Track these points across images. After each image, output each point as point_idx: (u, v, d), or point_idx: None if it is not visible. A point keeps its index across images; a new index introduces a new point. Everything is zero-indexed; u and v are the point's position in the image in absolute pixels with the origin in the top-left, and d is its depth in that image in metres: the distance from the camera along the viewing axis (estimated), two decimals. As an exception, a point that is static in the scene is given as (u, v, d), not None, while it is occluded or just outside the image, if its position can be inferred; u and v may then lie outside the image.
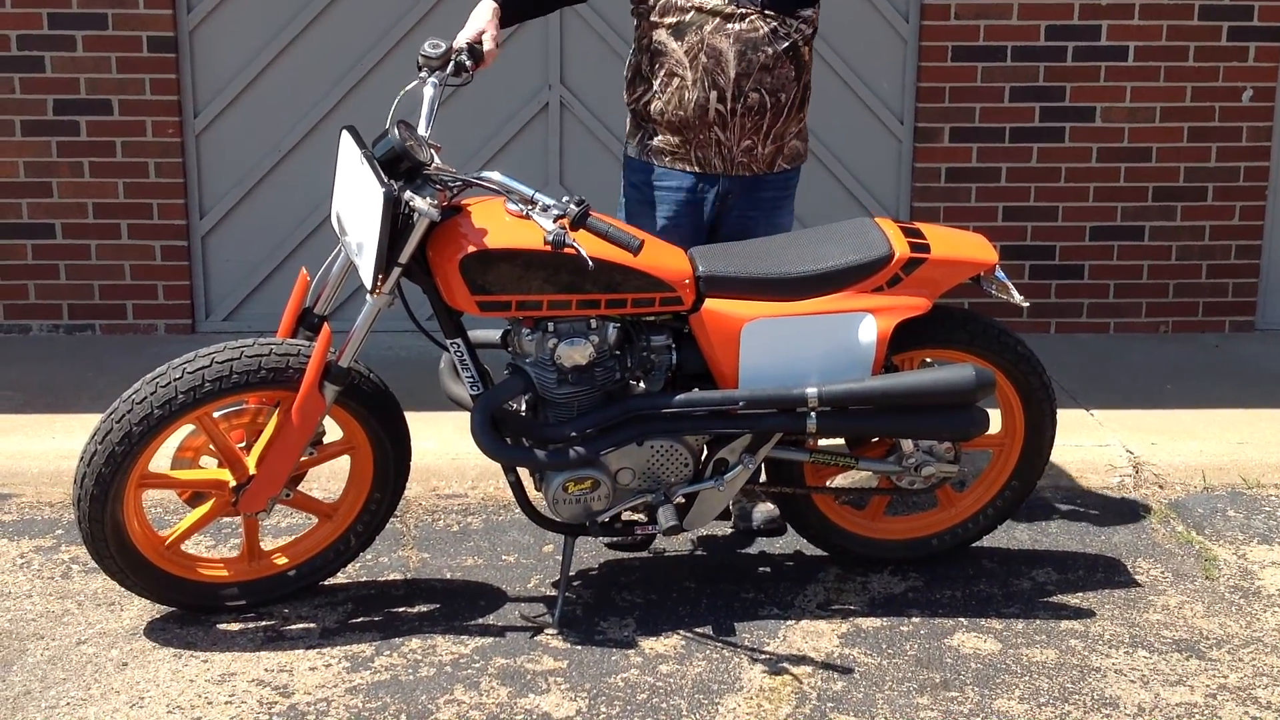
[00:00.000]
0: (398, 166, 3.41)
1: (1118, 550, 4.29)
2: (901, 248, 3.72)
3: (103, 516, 3.54)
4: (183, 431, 3.66)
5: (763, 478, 3.94)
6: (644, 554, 4.19)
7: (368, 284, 3.43)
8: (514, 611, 3.84)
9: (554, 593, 3.95)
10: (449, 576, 4.07)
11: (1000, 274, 3.88)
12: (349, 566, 4.07)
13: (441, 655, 3.61)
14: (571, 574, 4.07)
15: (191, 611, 3.79)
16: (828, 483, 4.06)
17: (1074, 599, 3.97)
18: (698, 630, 3.76)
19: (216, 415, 3.64)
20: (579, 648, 3.66)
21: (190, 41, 5.87)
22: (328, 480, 4.46)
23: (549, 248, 3.25)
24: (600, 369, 3.64)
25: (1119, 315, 6.29)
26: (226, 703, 3.38)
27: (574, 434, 3.62)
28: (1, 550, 4.20)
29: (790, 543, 4.27)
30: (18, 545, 4.23)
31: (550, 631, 3.73)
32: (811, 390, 3.64)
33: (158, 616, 3.78)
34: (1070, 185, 6.13)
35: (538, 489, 3.77)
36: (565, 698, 3.42)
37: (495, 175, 3.39)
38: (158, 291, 6.01)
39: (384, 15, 5.88)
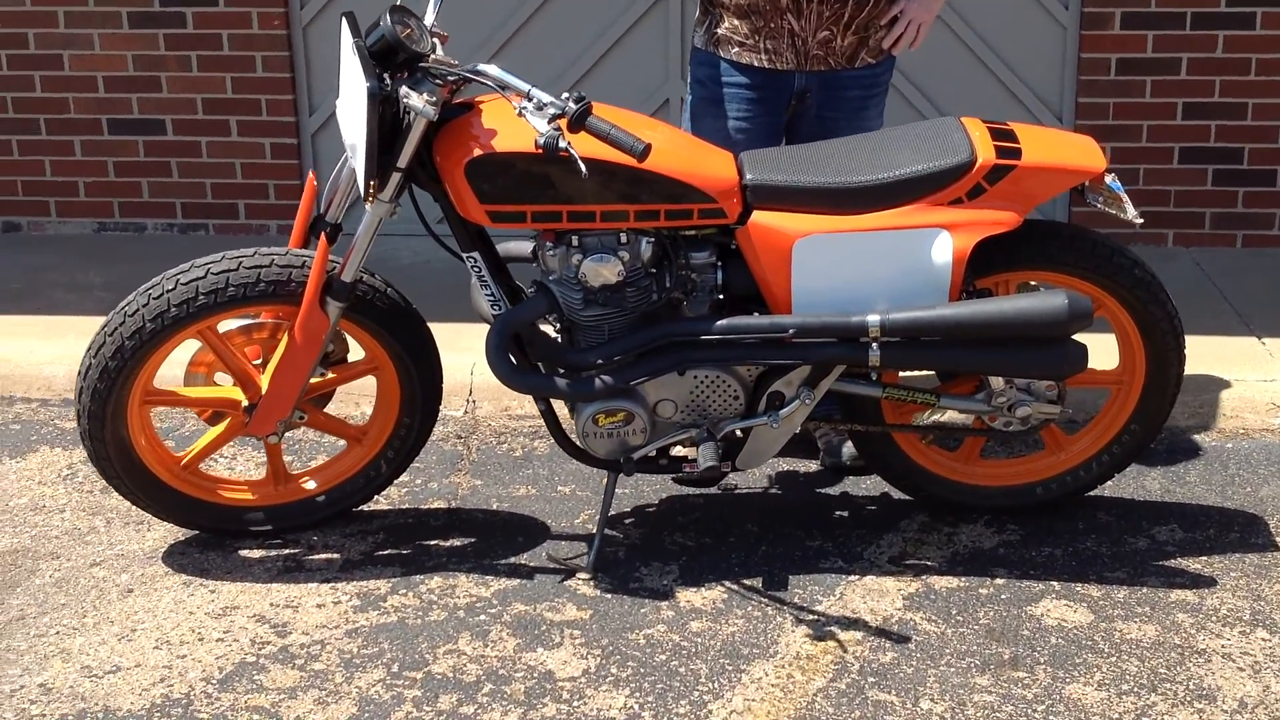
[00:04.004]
0: (394, 58, 3.04)
1: (1262, 507, 3.71)
2: (986, 153, 3.19)
3: (103, 434, 3.32)
4: (192, 346, 3.41)
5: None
6: (712, 490, 3.79)
7: (360, 190, 3.09)
8: (551, 549, 3.50)
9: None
10: (495, 507, 3.76)
11: (1114, 183, 3.31)
12: (393, 490, 3.81)
13: (459, 597, 3.31)
14: (626, 509, 3.72)
15: (215, 535, 3.56)
16: (913, 420, 3.58)
17: (1194, 563, 3.42)
18: (745, 582, 3.35)
19: (226, 329, 3.37)
20: (608, 596, 3.30)
21: (297, -74, 5.59)
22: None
23: (539, 150, 2.84)
24: (632, 289, 3.24)
25: (1317, 228, 5.54)
26: (218, 640, 3.15)
27: (601, 361, 3.23)
28: (53, 460, 4.05)
29: (879, 484, 3.81)
30: (69, 455, 4.08)
31: (582, 576, 3.38)
32: (874, 318, 3.16)
33: (181, 539, 3.57)
34: (1261, 79, 5.37)
35: (573, 419, 3.41)
36: (575, 654, 3.08)
37: (492, 69, 3.00)
38: (269, 191, 5.81)
39: (499, -104, 5.49)
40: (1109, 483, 3.74)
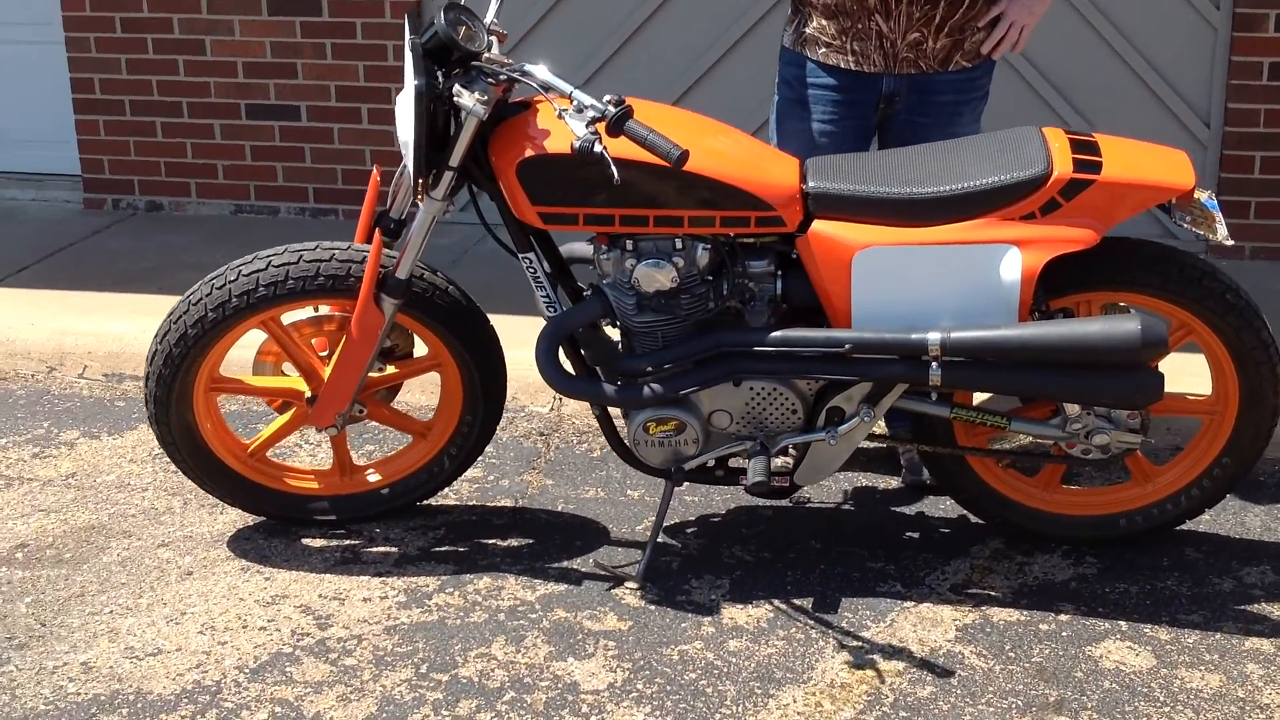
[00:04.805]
0: (450, 56, 3.02)
1: (1369, 551, 3.46)
2: (1063, 166, 3.03)
3: (168, 419, 3.38)
4: (258, 336, 3.45)
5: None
6: (782, 503, 3.69)
7: (411, 187, 3.08)
8: (605, 556, 3.46)
9: (661, 539, 3.53)
10: (560, 509, 3.72)
11: (1209, 201, 3.11)
12: (463, 485, 3.81)
13: (503, 600, 3.28)
14: (691, 518, 3.65)
15: (280, 522, 3.60)
16: (987, 443, 3.43)
17: (1279, 610, 3.20)
18: (795, 602, 3.25)
19: (294, 320, 3.40)
20: (652, 608, 3.23)
21: (434, -83, 5.63)
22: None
23: (573, 153, 2.79)
24: (687, 296, 3.16)
25: None
26: (261, 629, 3.18)
27: (651, 368, 3.17)
28: (147, 439, 4.15)
29: (958, 506, 3.65)
30: (163, 435, 4.16)
31: (630, 585, 3.32)
32: (934, 336, 3.03)
33: (249, 525, 3.62)
34: None
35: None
36: (605, 666, 3.02)
37: (538, 69, 2.96)
38: (397, 178, 5.86)
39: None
40: (1205, 517, 3.54)
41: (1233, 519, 3.61)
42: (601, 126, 2.80)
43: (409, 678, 2.99)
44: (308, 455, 4.02)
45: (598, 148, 2.77)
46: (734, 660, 3.04)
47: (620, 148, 2.89)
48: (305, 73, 5.82)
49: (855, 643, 3.10)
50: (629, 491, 3.79)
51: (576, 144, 2.78)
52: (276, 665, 3.04)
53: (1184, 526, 3.49)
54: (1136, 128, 5.21)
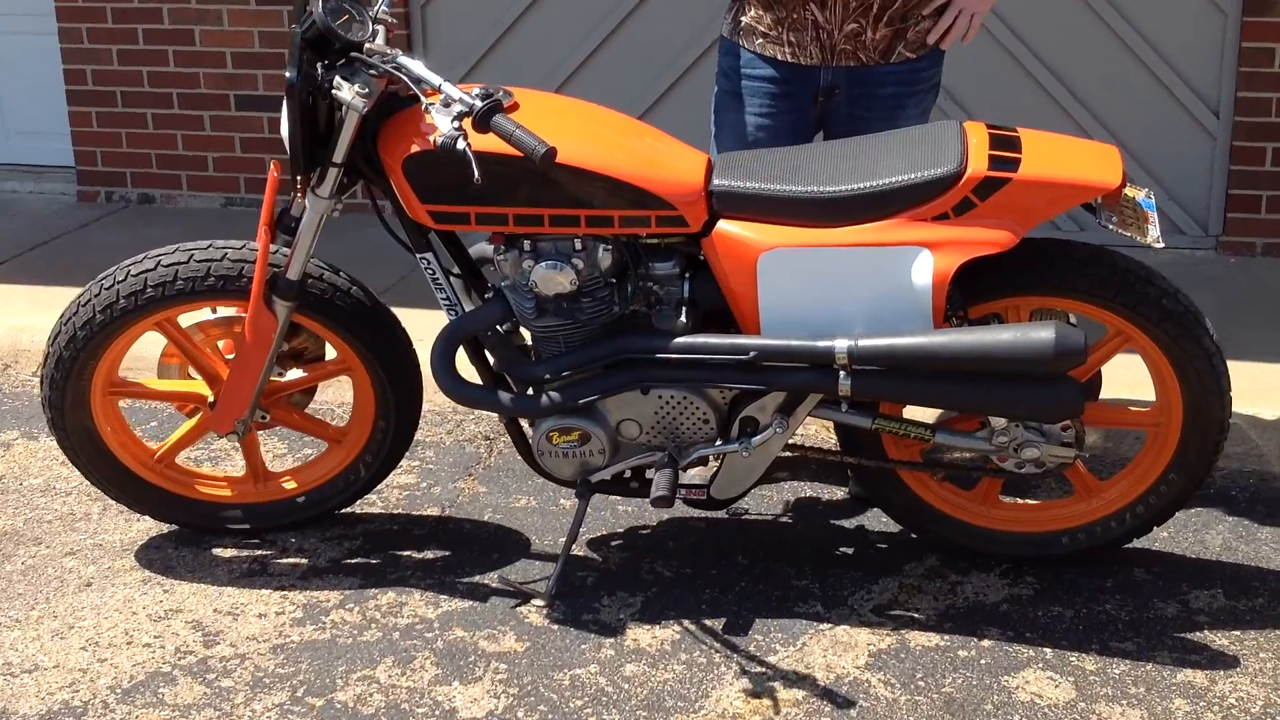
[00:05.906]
0: (331, 47, 2.88)
1: (1337, 574, 3.21)
2: (977, 164, 2.82)
3: (64, 423, 3.28)
4: (157, 338, 3.33)
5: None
6: (719, 515, 3.52)
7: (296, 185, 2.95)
8: (521, 570, 3.30)
9: (583, 552, 3.38)
10: (487, 518, 3.57)
11: (1146, 201, 2.89)
12: (392, 492, 3.68)
13: (403, 617, 3.14)
14: (619, 529, 3.50)
15: (192, 530, 3.49)
16: (921, 456, 3.23)
17: (1222, 639, 2.98)
18: (706, 623, 3.08)
19: (200, 321, 3.28)
20: (555, 627, 3.08)
21: (417, -96, 5.50)
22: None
23: (436, 150, 2.64)
24: (589, 299, 2.99)
25: None
26: (145, 645, 3.06)
27: (549, 375, 3.01)
28: (86, 440, 4.05)
29: (898, 519, 3.46)
30: (102, 436, 4.07)
31: (538, 602, 3.17)
32: (841, 344, 2.84)
33: (162, 533, 3.51)
34: None
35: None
36: (490, 692, 2.87)
37: (411, 62, 2.81)
38: (383, 171, 5.75)
39: None
40: (1162, 534, 3.32)
41: (1193, 536, 3.38)
42: (468, 122, 2.64)
43: (282, 701, 2.86)
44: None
45: (460, 144, 2.61)
46: (626, 687, 2.87)
47: (505, 144, 2.73)
48: (290, 63, 5.70)
49: (758, 669, 2.92)
50: (562, 501, 3.63)
51: (439, 140, 2.63)
52: (150, 686, 2.92)
53: (1136, 544, 3.27)
54: (1142, 118, 5.00)
